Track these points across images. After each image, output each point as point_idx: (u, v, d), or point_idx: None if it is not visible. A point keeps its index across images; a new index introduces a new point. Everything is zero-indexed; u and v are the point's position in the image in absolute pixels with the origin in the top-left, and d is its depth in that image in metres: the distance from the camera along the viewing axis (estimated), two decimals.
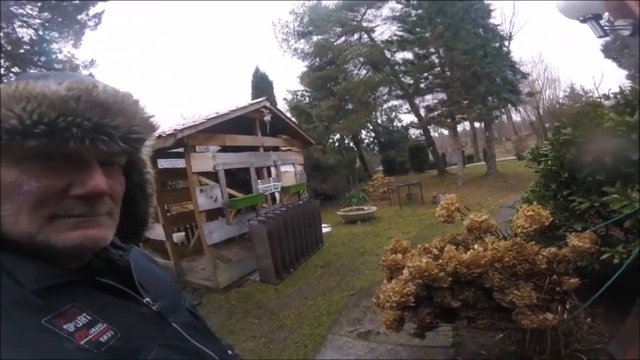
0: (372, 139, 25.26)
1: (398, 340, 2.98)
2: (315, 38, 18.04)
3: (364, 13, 17.98)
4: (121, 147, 0.46)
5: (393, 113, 23.61)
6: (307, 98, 19.94)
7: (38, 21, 6.41)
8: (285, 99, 19.82)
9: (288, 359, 3.15)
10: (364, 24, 17.97)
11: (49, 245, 0.44)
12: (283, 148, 7.68)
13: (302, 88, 20.04)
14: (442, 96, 16.09)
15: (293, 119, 9.02)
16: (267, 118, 6.37)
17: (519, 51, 39.96)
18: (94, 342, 0.41)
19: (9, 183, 0.42)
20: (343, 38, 18.42)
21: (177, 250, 6.56)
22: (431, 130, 19.63)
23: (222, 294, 4.98)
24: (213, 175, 5.50)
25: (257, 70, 15.95)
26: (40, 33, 6.37)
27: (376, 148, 25.50)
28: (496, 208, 8.55)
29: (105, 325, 0.44)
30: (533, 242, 1.81)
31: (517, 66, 16.87)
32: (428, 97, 17.19)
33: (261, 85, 14.96)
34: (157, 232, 5.89)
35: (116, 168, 0.51)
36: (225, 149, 6.74)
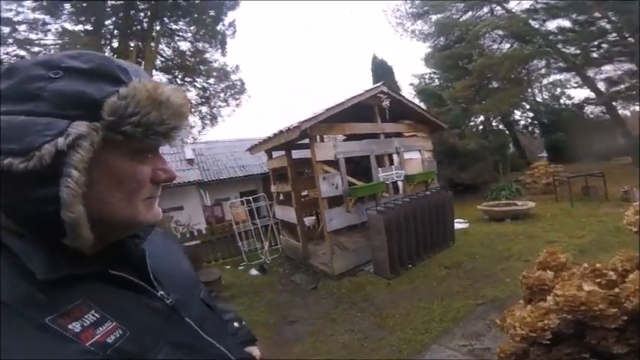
0: (529, 120, 20.68)
1: None
2: (433, 17, 16.16)
3: None
4: None
5: (558, 89, 18.59)
6: (437, 80, 18.14)
7: (190, 35, 7.89)
8: (411, 84, 18.61)
9: None
10: None
11: (142, 223, 0.50)
12: (407, 134, 7.16)
13: (429, 70, 18.29)
14: (629, 66, 12.27)
15: (420, 103, 8.26)
16: (386, 103, 6.03)
17: None
18: (100, 343, 0.40)
19: (125, 174, 0.46)
20: (469, 14, 15.96)
21: (307, 233, 7.22)
22: (618, 108, 14.58)
23: (335, 281, 5.08)
24: (335, 164, 5.67)
25: (375, 58, 15.32)
26: (196, 45, 7.94)
27: (536, 131, 20.69)
28: None
29: (114, 323, 0.43)
30: None
31: None
32: (607, 67, 13.46)
33: (381, 71, 14.27)
34: (290, 214, 6.60)
35: None
36: (350, 138, 6.84)
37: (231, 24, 8.23)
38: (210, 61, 8.39)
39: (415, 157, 6.89)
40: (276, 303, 4.83)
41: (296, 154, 6.83)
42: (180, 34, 7.77)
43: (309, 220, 7.54)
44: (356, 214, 5.67)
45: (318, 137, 7.14)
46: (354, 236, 6.76)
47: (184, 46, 8.01)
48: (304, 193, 7.83)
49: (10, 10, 5.18)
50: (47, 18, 5.56)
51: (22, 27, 5.50)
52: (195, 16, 7.17)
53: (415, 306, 3.91)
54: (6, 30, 5.32)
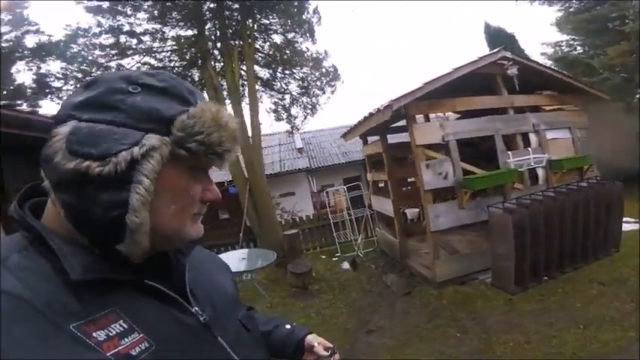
0: None
1: None
2: None
3: None
4: None
5: None
6: (578, 47, 13.91)
7: (280, 27, 7.88)
8: (543, 53, 14.92)
9: None
10: None
11: (186, 237, 0.51)
12: (548, 108, 5.33)
13: (565, 37, 14.12)
14: None
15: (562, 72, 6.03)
16: (512, 71, 4.58)
17: None
18: (123, 354, 0.40)
19: (182, 188, 0.49)
20: None
21: (407, 228, 6.38)
22: None
23: (436, 289, 4.20)
24: (445, 148, 4.64)
25: (487, 26, 12.88)
26: (287, 36, 7.89)
27: None
28: None
29: (141, 335, 0.42)
30: None
31: None
32: None
33: (499, 40, 11.37)
34: (386, 206, 5.90)
35: None
36: (466, 116, 5.56)
37: (315, 11, 8.05)
38: (303, 50, 8.38)
39: (563, 136, 5.05)
40: (358, 305, 4.35)
41: (396, 137, 6.03)
42: (272, 27, 7.94)
43: (411, 212, 6.63)
44: (473, 211, 4.50)
45: (421, 117, 6.12)
46: (469, 236, 5.52)
47: (277, 39, 8.21)
48: (411, 179, 6.86)
49: (130, 23, 6.31)
50: (162, 27, 6.55)
51: (146, 37, 6.62)
52: (282, 7, 7.16)
53: (541, 332, 2.88)
54: (134, 41, 6.53)
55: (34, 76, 6.12)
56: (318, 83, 8.67)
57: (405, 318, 3.76)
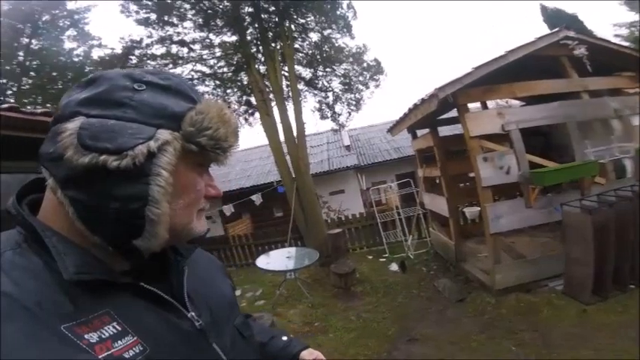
0: None
1: None
2: None
3: None
4: None
5: None
6: None
7: (316, 25, 7.71)
8: (617, 35, 12.65)
9: None
10: None
11: (192, 233, 0.51)
12: (631, 91, 4.41)
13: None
14: None
15: None
16: (581, 51, 3.87)
17: None
18: (115, 357, 0.39)
19: (189, 183, 0.48)
20: None
21: (466, 229, 5.82)
22: None
23: (494, 297, 3.73)
24: (506, 139, 4.11)
25: (544, 9, 11.83)
26: (323, 34, 7.70)
27: None
28: None
29: (135, 338, 0.42)
30: None
31: None
32: None
33: (560, 22, 9.96)
34: (440, 205, 5.45)
35: None
36: (529, 102, 4.86)
37: (350, 6, 7.84)
38: (342, 46, 8.20)
39: None
40: (403, 310, 4.05)
41: (449, 129, 5.54)
42: (309, 26, 7.88)
43: (471, 212, 6.02)
44: (543, 210, 3.90)
45: (477, 105, 5.53)
46: (540, 237, 4.84)
47: (315, 37, 8.14)
48: (472, 174, 6.24)
49: (179, 32, 6.75)
50: (208, 35, 6.90)
51: (196, 46, 7.04)
52: (316, 5, 7.10)
53: (619, 348, 2.41)
54: (184, 50, 7.00)
55: None
56: (361, 78, 8.46)
57: (454, 327, 3.40)
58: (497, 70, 3.81)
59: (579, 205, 3.47)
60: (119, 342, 0.40)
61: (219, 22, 6.89)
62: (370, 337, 3.49)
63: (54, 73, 6.74)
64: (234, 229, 9.76)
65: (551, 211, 3.88)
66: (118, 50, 6.65)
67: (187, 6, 6.53)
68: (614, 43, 4.44)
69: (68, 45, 6.84)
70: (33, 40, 6.46)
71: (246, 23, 6.88)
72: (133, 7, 6.39)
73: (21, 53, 6.53)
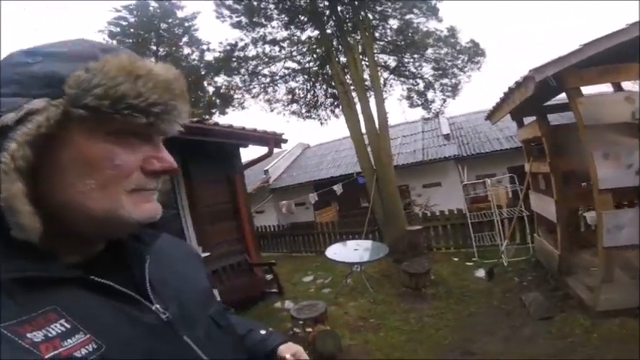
0: None
1: None
2: None
3: None
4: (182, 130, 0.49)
5: None
6: None
7: (395, 12, 6.93)
8: None
9: None
10: None
11: (126, 219, 0.43)
12: None
13: None
14: None
15: None
16: None
17: None
18: (64, 356, 0.35)
19: (99, 157, 0.41)
20: None
21: (582, 237, 4.62)
22: None
23: (591, 319, 3.00)
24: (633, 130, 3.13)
25: None
26: (405, 19, 6.88)
27: None
28: None
29: (87, 336, 0.38)
30: None
31: None
32: None
33: None
34: (548, 207, 4.48)
35: None
36: None
37: None
38: (431, 31, 7.42)
39: None
40: (472, 321, 3.59)
41: (563, 117, 4.50)
42: (387, 13, 7.34)
43: (592, 217, 4.73)
44: None
45: (607, 87, 4.32)
46: None
47: (396, 24, 7.55)
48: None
49: (270, 32, 7.23)
50: (295, 31, 7.21)
51: (285, 43, 7.47)
52: None
53: None
54: (276, 48, 7.51)
55: (214, 90, 8.06)
56: (457, 62, 7.49)
57: (525, 347, 2.88)
58: (615, 47, 2.91)
59: None
60: (69, 340, 0.37)
61: (302, 19, 7.19)
62: (422, 343, 3.25)
63: None
64: (322, 216, 10.25)
65: None
66: (220, 54, 7.69)
67: (272, 6, 7.04)
68: None
69: (186, 50, 8.22)
70: (160, 48, 8.00)
71: (325, 17, 6.99)
72: (226, 12, 7.25)
73: (152, 59, 8.30)
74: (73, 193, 0.40)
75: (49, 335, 0.36)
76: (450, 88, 7.95)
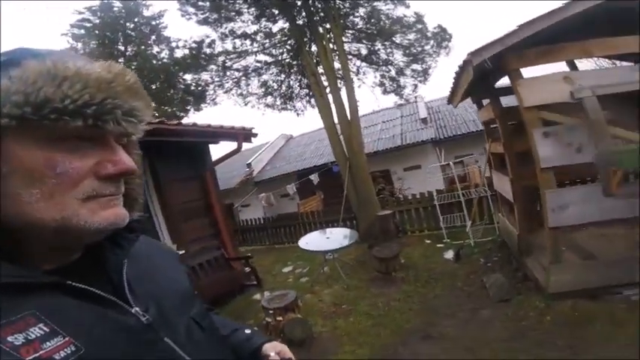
0: None
1: None
2: None
3: None
4: (142, 129, 0.48)
5: None
6: None
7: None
8: None
9: None
10: None
11: (83, 228, 0.42)
12: None
13: None
14: None
15: None
16: None
17: None
18: (44, 358, 0.36)
19: (38, 166, 0.40)
20: None
21: (540, 216, 4.79)
22: None
23: (547, 301, 3.10)
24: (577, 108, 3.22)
25: None
26: (373, 5, 6.86)
27: None
28: None
29: (66, 339, 0.39)
30: None
31: None
32: None
33: None
34: (505, 187, 4.63)
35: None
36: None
37: None
38: (400, 17, 7.45)
39: None
40: (436, 304, 3.74)
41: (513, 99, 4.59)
42: (359, 1, 7.34)
43: None
44: (627, 201, 2.96)
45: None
46: (621, 234, 3.66)
47: (365, 11, 7.54)
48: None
49: (240, 26, 7.12)
50: (266, 24, 7.11)
51: (258, 36, 7.38)
52: None
53: None
54: (247, 42, 7.41)
55: (184, 87, 7.94)
56: (426, 48, 7.54)
57: (481, 330, 3.00)
58: (556, 27, 2.94)
59: None
60: (48, 343, 0.38)
61: (273, 11, 7.09)
62: (386, 327, 3.40)
63: (151, 75, 8.18)
64: (306, 205, 10.36)
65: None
66: (188, 51, 7.56)
67: (240, 0, 6.91)
68: None
69: (155, 49, 8.05)
70: (128, 47, 7.82)
71: (297, 8, 6.90)
72: (191, 9, 7.08)
73: (121, 60, 8.08)
74: (20, 204, 0.40)
75: (29, 338, 0.36)
76: (420, 74, 7.99)
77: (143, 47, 7.99)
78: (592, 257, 3.21)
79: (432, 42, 7.59)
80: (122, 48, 7.81)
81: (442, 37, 7.53)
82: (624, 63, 4.37)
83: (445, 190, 6.62)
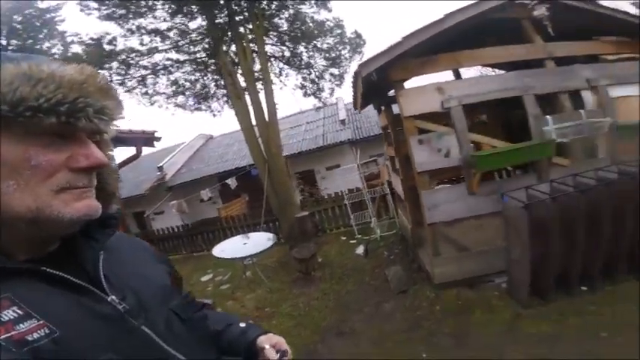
0: None
1: None
2: None
3: None
4: (113, 126, 0.51)
5: None
6: None
7: (289, 2, 7.15)
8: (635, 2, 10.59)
9: None
10: None
11: (57, 218, 0.44)
12: (611, 57, 3.85)
13: None
14: None
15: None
16: (541, 11, 3.40)
17: None
18: (16, 339, 0.38)
19: (15, 158, 0.42)
20: None
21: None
22: None
23: (436, 290, 3.61)
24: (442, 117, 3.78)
25: None
26: (297, 8, 7.08)
27: None
28: None
29: (40, 322, 0.41)
30: None
31: None
32: None
33: None
34: (399, 187, 5.26)
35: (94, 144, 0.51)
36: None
37: None
38: (323, 20, 7.76)
39: (634, 93, 3.62)
40: (347, 300, 4.07)
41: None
42: (285, 2, 7.48)
43: None
44: (487, 198, 3.63)
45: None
46: (491, 227, 4.57)
47: (290, 14, 7.73)
48: None
49: (151, 22, 6.57)
50: (183, 21, 6.70)
51: (172, 32, 6.88)
52: None
53: None
54: (157, 39, 6.84)
55: None
56: (344, 52, 8.02)
57: (385, 322, 3.36)
58: (438, 38, 3.37)
59: (526, 194, 3.18)
60: (21, 325, 0.39)
61: (192, 8, 6.66)
62: (306, 327, 3.58)
63: None
64: (228, 209, 10.06)
65: (500, 199, 3.63)
66: (85, 48, 6.65)
67: None
68: (596, 4, 3.79)
69: (47, 44, 6.95)
70: (12, 41, 6.60)
71: (218, 6, 6.61)
72: (92, 4, 6.28)
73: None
74: None
75: (2, 320, 0.38)
76: (337, 78, 8.46)
77: (31, 41, 6.78)
78: (466, 249, 3.88)
79: (348, 47, 8.05)
80: (4, 42, 6.51)
81: (357, 43, 8.04)
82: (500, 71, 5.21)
83: (365, 188, 7.20)
